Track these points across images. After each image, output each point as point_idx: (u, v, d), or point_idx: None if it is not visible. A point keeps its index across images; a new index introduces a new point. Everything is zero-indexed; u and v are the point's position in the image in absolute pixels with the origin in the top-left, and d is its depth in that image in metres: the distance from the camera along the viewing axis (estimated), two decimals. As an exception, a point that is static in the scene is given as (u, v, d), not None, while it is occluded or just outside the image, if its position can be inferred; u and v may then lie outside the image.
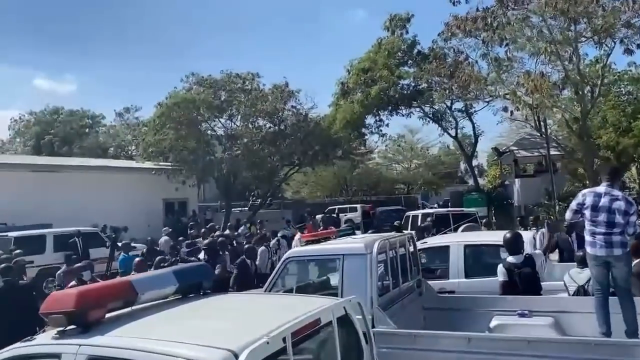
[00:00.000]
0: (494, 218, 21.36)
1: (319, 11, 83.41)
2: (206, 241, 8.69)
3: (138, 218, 21.05)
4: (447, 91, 24.24)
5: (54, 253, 15.25)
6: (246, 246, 9.20)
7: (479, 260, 7.50)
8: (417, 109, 26.97)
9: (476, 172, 32.82)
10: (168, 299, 3.62)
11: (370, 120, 26.92)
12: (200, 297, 3.64)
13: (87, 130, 41.23)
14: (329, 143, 26.23)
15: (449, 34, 20.55)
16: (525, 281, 5.80)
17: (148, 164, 25.81)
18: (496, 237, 8.11)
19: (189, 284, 3.69)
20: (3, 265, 6.82)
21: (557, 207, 18.75)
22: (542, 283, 7.00)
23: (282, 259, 5.56)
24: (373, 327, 4.91)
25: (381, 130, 27.44)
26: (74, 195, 21.33)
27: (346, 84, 25.53)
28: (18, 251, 9.97)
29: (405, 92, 25.71)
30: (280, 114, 25.62)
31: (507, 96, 19.89)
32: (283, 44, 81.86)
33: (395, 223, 11.03)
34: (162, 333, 2.78)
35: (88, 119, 43.08)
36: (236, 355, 2.41)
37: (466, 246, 7.34)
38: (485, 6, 18.39)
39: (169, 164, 25.18)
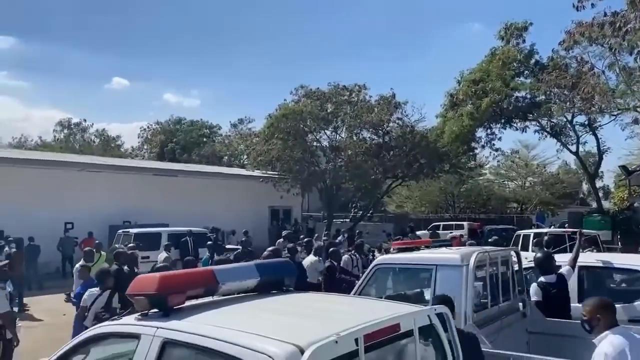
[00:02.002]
0: (619, 243, 19.22)
1: (432, 24, 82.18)
2: (270, 248, 8.51)
3: (245, 223, 21.96)
4: (568, 104, 22.48)
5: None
6: (331, 249, 9.04)
7: (595, 285, 6.68)
8: (534, 123, 25.25)
9: (601, 194, 29.99)
10: (248, 293, 3.60)
11: (481, 133, 25.72)
12: (281, 294, 3.57)
13: (204, 139, 44.20)
14: (435, 156, 25.47)
15: (571, 42, 18.96)
16: (559, 301, 5.69)
17: (257, 172, 26.92)
18: (619, 260, 7.24)
19: (271, 280, 3.64)
20: (116, 251, 7.44)
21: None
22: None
23: (372, 265, 5.36)
24: (466, 344, 4.55)
25: (493, 144, 26.06)
26: (189, 198, 22.85)
27: (455, 95, 24.62)
28: (131, 245, 10.80)
29: (520, 104, 24.21)
30: (385, 125, 25.40)
31: (638, 108, 17.93)
32: (394, 56, 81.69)
33: (491, 239, 10.16)
34: (235, 324, 2.74)
35: (206, 129, 46.28)
36: (302, 351, 2.28)
37: (581, 267, 6.56)
38: (614, 10, 16.74)
39: (276, 172, 26.03)
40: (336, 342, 2.33)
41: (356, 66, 78.39)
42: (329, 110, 25.70)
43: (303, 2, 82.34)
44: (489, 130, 25.39)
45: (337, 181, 25.75)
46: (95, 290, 5.79)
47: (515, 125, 25.18)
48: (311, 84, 26.60)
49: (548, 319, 6.03)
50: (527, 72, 24.48)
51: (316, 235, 18.13)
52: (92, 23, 74.11)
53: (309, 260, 9.78)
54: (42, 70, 79.37)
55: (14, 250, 13.08)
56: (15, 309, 10.37)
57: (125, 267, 7.96)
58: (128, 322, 3.05)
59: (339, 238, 17.13)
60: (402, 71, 78.11)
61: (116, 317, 3.24)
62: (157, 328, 2.82)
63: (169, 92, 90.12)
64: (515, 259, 5.88)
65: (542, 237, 11.82)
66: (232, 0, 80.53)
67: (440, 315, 3.18)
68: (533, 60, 24.28)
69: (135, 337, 2.89)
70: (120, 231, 16.96)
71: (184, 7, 78.01)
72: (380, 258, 5.54)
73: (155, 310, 3.03)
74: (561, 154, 37.85)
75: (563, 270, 6.02)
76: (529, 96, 24.14)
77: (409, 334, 2.90)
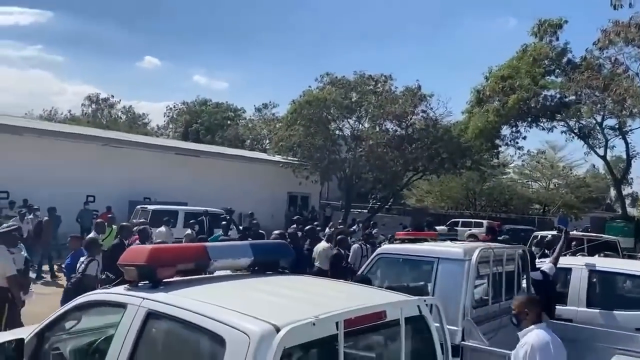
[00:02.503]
0: (642, 252, 18.72)
1: (465, 18, 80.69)
2: (276, 231, 8.52)
3: (263, 207, 22.08)
4: (599, 105, 21.89)
5: (183, 228, 16.56)
6: (339, 237, 9.01)
7: (606, 290, 6.52)
8: (561, 123, 24.65)
9: (629, 201, 29.26)
10: (242, 272, 3.61)
11: (505, 131, 25.23)
12: (274, 275, 3.57)
13: (229, 122, 44.46)
14: (458, 151, 25.10)
15: (606, 41, 18.45)
16: (543, 296, 5.62)
17: (278, 158, 26.98)
18: (634, 267, 7.05)
19: (266, 260, 3.63)
20: (121, 224, 7.59)
21: None
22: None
23: (374, 255, 5.32)
24: (462, 340, 4.50)
25: (517, 143, 25.52)
26: (210, 179, 23.05)
27: (482, 91, 24.16)
28: (142, 220, 10.97)
29: (549, 103, 23.63)
30: (409, 117, 25.12)
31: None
32: (422, 48, 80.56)
33: (500, 237, 9.97)
34: (219, 300, 2.74)
35: (231, 111, 46.54)
36: (278, 330, 2.27)
37: (592, 272, 6.40)
38: (654, 11, 16.15)
39: (296, 159, 26.04)
40: (314, 324, 2.31)
41: (383, 56, 77.74)
42: (353, 99, 25.54)
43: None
44: (514, 128, 24.90)
45: (357, 171, 25.64)
46: (83, 259, 5.94)
47: (542, 124, 24.64)
48: (337, 72, 26.43)
49: (551, 321, 5.93)
50: (558, 70, 23.85)
51: (331, 223, 18.11)
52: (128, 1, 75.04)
53: (321, 246, 9.81)
54: (76, 46, 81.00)
55: (45, 218, 13.52)
56: (33, 275, 10.72)
57: (137, 242, 8.07)
58: (117, 292, 3.08)
59: (354, 227, 17.10)
60: (430, 64, 77.15)
61: (107, 286, 3.27)
62: (143, 299, 2.84)
63: (198, 74, 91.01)
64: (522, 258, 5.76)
65: (545, 237, 11.60)
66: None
67: (431, 307, 3.14)
68: (565, 59, 23.61)
69: (122, 306, 2.92)
70: (138, 207, 17.23)
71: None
72: (382, 248, 5.49)
73: (145, 282, 3.06)
74: (589, 157, 37.00)
75: (545, 267, 6.13)
76: (558, 95, 23.57)
77: (395, 323, 2.85)
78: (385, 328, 2.85)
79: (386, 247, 5.50)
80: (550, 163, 39.31)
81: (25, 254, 7.29)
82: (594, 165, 42.22)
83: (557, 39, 23.58)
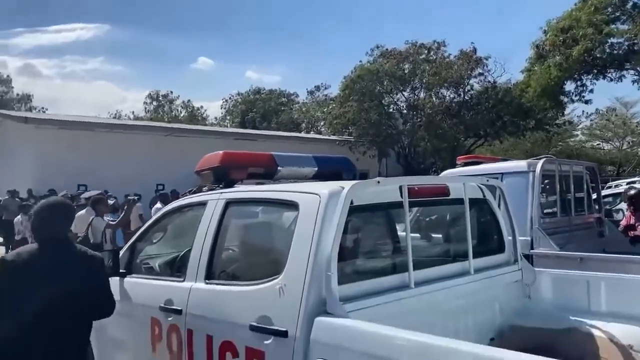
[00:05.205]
0: None
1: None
2: None
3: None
4: (673, 48, 20.38)
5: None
6: None
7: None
8: (631, 72, 23.13)
9: None
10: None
11: (570, 86, 23.96)
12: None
13: (282, 108, 45.13)
14: (520, 113, 24.23)
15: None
16: None
17: (333, 137, 27.08)
18: None
19: (329, 172, 3.79)
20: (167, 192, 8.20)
21: None
22: None
23: (437, 178, 5.36)
24: (532, 249, 4.49)
25: (584, 97, 24.15)
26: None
27: (542, 46, 23.08)
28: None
29: (616, 52, 22.24)
30: (465, 82, 24.48)
31: None
32: (476, 10, 77.40)
33: None
34: (291, 186, 2.94)
35: (284, 97, 47.21)
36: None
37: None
38: None
39: (351, 137, 26.02)
40: (378, 182, 2.44)
41: (434, 25, 75.58)
42: (406, 70, 25.18)
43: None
44: (578, 82, 23.62)
45: (415, 142, 25.30)
46: None
47: (609, 75, 23.22)
48: (387, 44, 26.11)
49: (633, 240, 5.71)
50: (623, 17, 22.36)
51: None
52: (177, 5, 77.48)
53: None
54: (133, 55, 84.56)
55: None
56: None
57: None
58: (197, 195, 3.36)
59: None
60: (484, 27, 73.94)
61: (186, 192, 3.55)
62: (221, 193, 3.09)
63: (250, 69, 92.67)
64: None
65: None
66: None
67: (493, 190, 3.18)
68: (630, 3, 22.08)
69: (203, 204, 3.17)
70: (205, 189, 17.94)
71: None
72: (446, 171, 5.52)
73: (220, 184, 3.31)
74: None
75: None
76: (626, 43, 22.10)
77: (459, 202, 2.93)
78: (449, 205, 2.94)
79: (450, 170, 5.52)
80: (622, 120, 36.98)
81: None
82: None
83: (622, -18, 22.12)
